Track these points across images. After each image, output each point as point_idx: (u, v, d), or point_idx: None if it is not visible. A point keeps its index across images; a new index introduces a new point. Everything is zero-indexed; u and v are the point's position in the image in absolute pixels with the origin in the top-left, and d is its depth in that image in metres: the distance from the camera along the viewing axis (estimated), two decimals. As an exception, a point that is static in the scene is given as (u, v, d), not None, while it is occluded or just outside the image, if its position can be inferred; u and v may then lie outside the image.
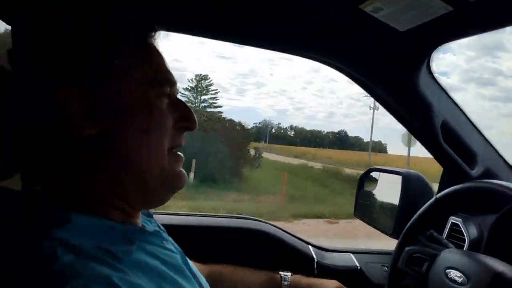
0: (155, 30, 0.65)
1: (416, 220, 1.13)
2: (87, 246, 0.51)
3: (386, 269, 1.24)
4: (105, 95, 0.57)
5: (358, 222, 1.59)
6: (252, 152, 19.75)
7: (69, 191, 0.58)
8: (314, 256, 1.41)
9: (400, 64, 1.14)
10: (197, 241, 0.97)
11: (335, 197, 14.31)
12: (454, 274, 0.87)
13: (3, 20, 0.82)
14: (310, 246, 1.47)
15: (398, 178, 1.31)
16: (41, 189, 0.59)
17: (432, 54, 1.10)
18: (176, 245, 0.74)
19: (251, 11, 1.06)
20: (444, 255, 0.94)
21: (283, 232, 1.46)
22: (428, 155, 1.25)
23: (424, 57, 1.11)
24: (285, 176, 16.55)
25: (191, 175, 12.73)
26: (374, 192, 1.49)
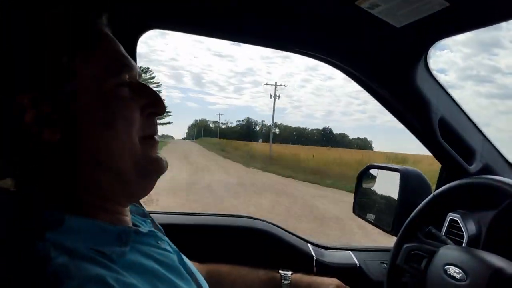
0: (103, 15, 0.62)
1: (414, 217, 1.13)
2: (81, 247, 0.51)
3: (385, 266, 1.24)
4: (59, 99, 0.55)
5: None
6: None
7: (59, 194, 0.58)
8: (313, 254, 1.41)
9: (397, 61, 1.13)
10: (195, 240, 0.97)
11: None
12: (453, 270, 0.86)
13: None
14: (309, 244, 1.47)
15: (396, 175, 1.31)
16: (33, 191, 0.58)
17: (429, 50, 1.10)
18: (172, 245, 0.73)
19: (248, 8, 1.06)
20: (443, 251, 0.94)
21: (282, 231, 1.46)
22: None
23: (421, 53, 1.11)
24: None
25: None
26: (373, 189, 1.49)
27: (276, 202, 10.86)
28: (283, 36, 1.15)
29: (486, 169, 1.19)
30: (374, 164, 1.50)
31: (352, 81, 1.26)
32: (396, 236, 1.17)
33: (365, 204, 1.51)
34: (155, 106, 0.64)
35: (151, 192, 0.67)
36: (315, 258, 1.40)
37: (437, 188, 1.19)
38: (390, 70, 1.15)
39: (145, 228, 0.70)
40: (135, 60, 1.00)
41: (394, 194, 1.31)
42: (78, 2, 0.59)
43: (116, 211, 0.63)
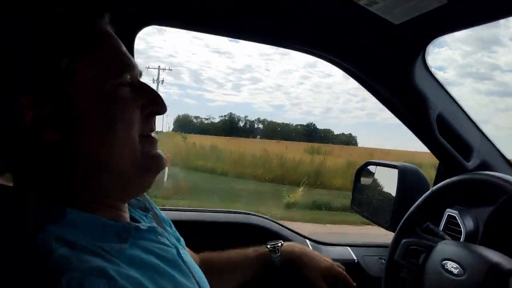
0: (104, 15, 0.62)
1: (412, 213, 1.14)
2: (81, 241, 0.51)
3: (383, 261, 1.25)
4: (59, 99, 0.55)
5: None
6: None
7: (61, 189, 0.58)
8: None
9: (395, 58, 1.13)
10: (193, 236, 0.97)
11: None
12: (451, 265, 0.87)
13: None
14: (307, 240, 1.48)
15: (395, 171, 1.31)
16: (33, 186, 0.58)
17: (428, 47, 1.10)
18: (172, 239, 0.74)
19: (246, 5, 1.06)
20: (441, 246, 0.94)
21: (280, 227, 1.47)
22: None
23: (420, 50, 1.11)
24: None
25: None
26: (371, 185, 1.50)
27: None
28: (282, 33, 1.15)
29: (484, 166, 1.20)
30: (372, 160, 1.51)
31: (351, 78, 1.26)
32: (393, 231, 1.18)
33: (363, 200, 1.52)
34: (155, 105, 0.64)
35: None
36: None
37: (435, 184, 1.20)
38: (389, 67, 1.15)
39: (145, 224, 0.70)
40: (132, 55, 1.00)
41: (392, 190, 1.32)
42: (78, 1, 0.59)
43: (115, 207, 0.63)
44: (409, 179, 1.29)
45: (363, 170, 1.52)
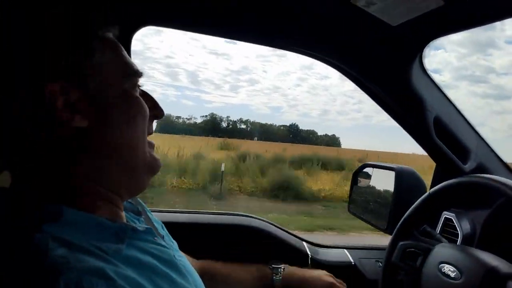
0: (112, 26, 0.65)
1: (409, 215, 1.14)
2: (78, 240, 0.51)
3: (380, 264, 1.24)
4: (87, 88, 0.58)
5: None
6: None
7: (60, 187, 0.58)
8: (308, 252, 1.41)
9: (392, 59, 1.13)
10: (190, 238, 0.96)
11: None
12: (448, 268, 0.87)
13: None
14: (304, 242, 1.47)
15: (392, 174, 1.31)
16: (31, 186, 0.58)
17: (425, 49, 1.10)
18: (168, 240, 0.75)
19: (244, 6, 1.05)
20: (438, 249, 0.94)
21: (277, 229, 1.46)
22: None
23: (417, 52, 1.11)
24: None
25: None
26: (368, 187, 1.49)
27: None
28: (279, 34, 1.15)
29: (481, 168, 1.20)
30: (369, 162, 1.50)
31: (347, 80, 1.26)
32: (390, 234, 1.18)
33: (360, 202, 1.51)
34: (155, 110, 0.70)
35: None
36: (310, 256, 1.40)
37: (432, 186, 1.20)
38: (386, 69, 1.15)
39: (142, 226, 0.70)
40: (130, 56, 1.00)
41: (389, 193, 1.31)
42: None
43: (115, 203, 0.65)
44: (406, 181, 1.29)
45: (360, 173, 1.52)
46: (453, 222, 1.05)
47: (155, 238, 0.68)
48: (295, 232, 1.52)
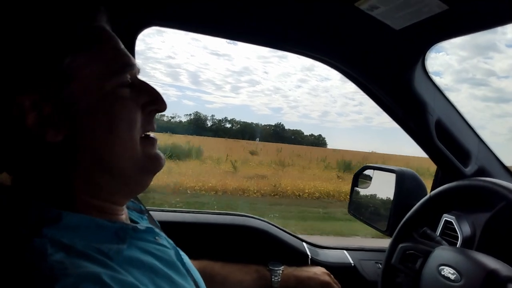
0: (103, 13, 0.61)
1: (410, 218, 1.14)
2: (78, 244, 0.51)
3: (380, 266, 1.25)
4: (60, 99, 0.54)
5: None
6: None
7: (57, 192, 0.57)
8: (308, 253, 1.41)
9: (395, 62, 1.14)
10: (191, 238, 0.97)
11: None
12: (447, 271, 0.87)
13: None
14: (304, 243, 1.48)
15: (392, 176, 1.32)
16: (31, 189, 0.57)
17: (427, 53, 1.11)
18: (170, 240, 0.74)
19: (246, 7, 1.06)
20: (438, 252, 0.95)
21: (277, 229, 1.47)
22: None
23: (420, 55, 1.11)
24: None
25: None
26: (368, 189, 1.50)
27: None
28: (282, 36, 1.15)
29: (482, 171, 1.20)
30: (370, 164, 1.51)
31: (348, 82, 1.27)
32: (390, 236, 1.18)
33: (361, 204, 1.52)
34: (156, 104, 0.64)
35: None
36: (310, 257, 1.41)
37: (432, 189, 1.20)
38: (389, 72, 1.16)
39: (142, 224, 0.70)
40: (133, 56, 1.00)
41: (390, 195, 1.32)
42: (77, 1, 0.58)
43: (113, 212, 0.63)
44: (406, 183, 1.29)
45: (361, 174, 1.53)
46: (453, 225, 1.05)
47: (156, 237, 0.68)
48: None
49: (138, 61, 0.65)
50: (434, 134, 1.17)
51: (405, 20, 0.96)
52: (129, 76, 0.61)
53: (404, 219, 1.15)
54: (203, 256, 1.07)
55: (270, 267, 1.15)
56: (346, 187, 10.63)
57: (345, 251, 1.50)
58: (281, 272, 1.14)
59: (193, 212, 1.49)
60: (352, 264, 1.43)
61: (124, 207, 0.68)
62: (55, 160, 0.56)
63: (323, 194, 10.78)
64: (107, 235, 0.56)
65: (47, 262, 0.46)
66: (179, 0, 1.04)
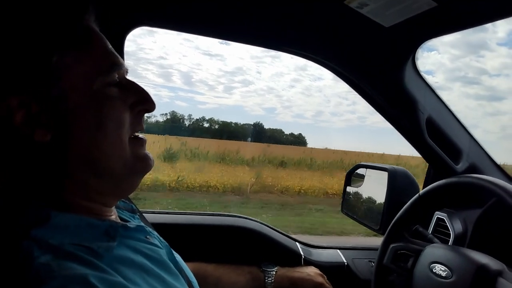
0: (91, 13, 0.60)
1: (400, 217, 1.14)
2: (66, 244, 0.50)
3: (373, 264, 1.25)
4: (48, 99, 0.53)
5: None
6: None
7: (47, 192, 0.57)
8: (301, 253, 1.41)
9: (385, 60, 1.14)
10: (184, 239, 0.96)
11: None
12: (439, 268, 0.88)
13: None
14: (297, 243, 1.47)
15: (385, 174, 1.32)
16: (20, 189, 0.57)
17: (418, 50, 1.11)
18: (162, 240, 0.74)
19: (238, 7, 1.05)
20: (429, 250, 0.95)
21: (270, 229, 1.46)
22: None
23: (409, 53, 1.11)
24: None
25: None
26: (361, 188, 1.50)
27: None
28: (272, 35, 1.15)
29: (473, 168, 1.21)
30: (362, 163, 1.51)
31: (341, 82, 1.27)
32: (383, 234, 1.18)
33: (353, 202, 1.52)
34: (144, 103, 0.64)
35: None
36: (303, 256, 1.40)
37: (424, 187, 1.20)
38: (379, 70, 1.16)
39: (133, 223, 0.70)
40: (122, 57, 0.99)
41: (382, 193, 1.32)
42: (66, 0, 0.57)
43: (102, 213, 0.63)
44: (399, 182, 1.29)
45: (354, 173, 1.53)
46: (445, 222, 1.05)
47: (147, 236, 0.67)
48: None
49: (130, 62, 0.65)
50: (425, 132, 1.17)
51: (395, 17, 0.96)
52: (117, 76, 0.61)
53: (395, 219, 1.15)
54: (196, 258, 1.06)
55: (263, 268, 1.15)
56: (232, 179, 10.82)
57: (338, 250, 1.50)
58: (274, 273, 1.14)
59: (185, 214, 1.48)
60: (345, 263, 1.43)
61: (113, 208, 0.68)
62: (44, 160, 0.55)
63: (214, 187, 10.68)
64: (97, 234, 0.56)
65: (34, 265, 0.45)
66: (170, 0, 1.04)
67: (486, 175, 1.13)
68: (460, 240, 1.01)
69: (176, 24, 1.12)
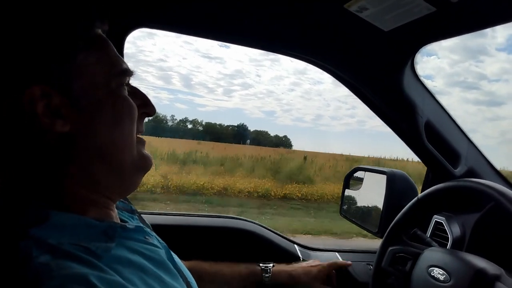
0: (102, 20, 0.63)
1: (399, 220, 1.14)
2: (65, 244, 0.50)
3: (371, 267, 1.25)
4: (70, 91, 0.56)
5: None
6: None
7: (47, 189, 0.57)
8: (300, 255, 1.42)
9: (384, 64, 1.14)
10: (183, 240, 0.97)
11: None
12: (437, 272, 0.88)
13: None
14: (295, 245, 1.48)
15: (383, 177, 1.32)
16: (19, 187, 0.57)
17: (417, 54, 1.12)
18: (161, 240, 0.74)
19: (238, 9, 1.06)
20: (427, 253, 0.95)
21: (269, 231, 1.46)
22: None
23: (409, 57, 1.12)
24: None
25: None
26: (360, 191, 1.50)
27: None
28: (272, 38, 1.16)
29: (471, 172, 1.21)
30: (361, 166, 1.51)
31: (341, 86, 1.27)
32: (382, 237, 1.18)
33: (352, 205, 1.52)
34: (147, 107, 0.68)
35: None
36: (301, 259, 1.41)
37: (422, 190, 1.21)
38: (378, 73, 1.16)
39: (132, 223, 0.70)
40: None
41: (381, 196, 1.32)
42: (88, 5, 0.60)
43: (106, 205, 0.64)
44: (397, 185, 1.30)
45: (352, 176, 1.53)
46: (444, 226, 1.06)
47: (146, 237, 0.68)
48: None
49: (130, 64, 0.69)
50: (424, 136, 1.18)
51: (394, 21, 0.97)
52: (127, 79, 0.65)
53: (393, 222, 1.15)
54: (194, 259, 1.06)
55: (260, 263, 1.15)
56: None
57: (336, 253, 1.50)
58: (271, 267, 1.14)
59: (184, 215, 1.48)
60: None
61: (115, 205, 0.68)
62: (56, 152, 0.56)
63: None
64: (95, 234, 0.56)
65: (32, 265, 0.45)
66: (168, 1, 1.04)
67: (484, 179, 1.14)
68: (458, 244, 1.01)
69: (176, 25, 1.13)
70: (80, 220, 0.56)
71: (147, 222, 0.87)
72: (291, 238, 1.51)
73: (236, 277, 1.10)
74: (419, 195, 1.13)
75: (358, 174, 1.51)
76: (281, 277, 1.14)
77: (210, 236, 1.39)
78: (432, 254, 0.94)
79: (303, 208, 9.93)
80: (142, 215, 0.91)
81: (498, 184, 0.97)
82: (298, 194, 11.02)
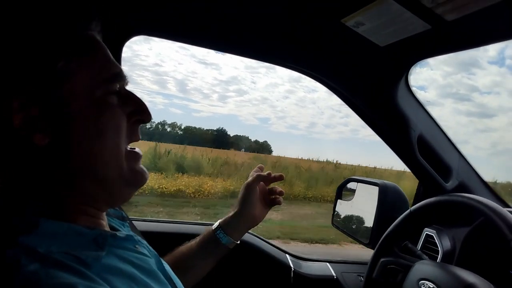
0: (93, 20, 0.60)
1: (391, 232, 1.15)
2: (54, 252, 0.49)
3: (362, 278, 1.26)
4: (50, 103, 0.54)
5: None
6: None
7: (40, 195, 0.57)
8: (291, 265, 1.42)
9: (379, 78, 1.16)
10: (171, 249, 0.96)
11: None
12: (427, 285, 0.88)
13: None
14: (287, 255, 1.48)
15: (375, 189, 1.33)
16: (17, 190, 0.57)
17: (411, 69, 1.13)
18: (151, 249, 0.73)
19: (234, 20, 1.07)
20: (418, 266, 0.96)
21: (261, 241, 1.46)
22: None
23: (403, 72, 1.14)
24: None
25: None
26: (352, 202, 1.51)
27: None
28: (269, 49, 1.17)
29: (462, 187, 1.23)
30: (354, 177, 1.52)
31: (334, 95, 1.29)
32: (373, 249, 1.19)
33: (344, 216, 1.53)
34: (141, 114, 0.65)
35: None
36: (292, 269, 1.41)
37: (414, 203, 1.22)
38: (372, 87, 1.18)
39: (123, 232, 0.69)
40: (119, 64, 1.00)
41: (372, 208, 1.33)
42: (70, 7, 0.58)
43: (95, 215, 0.63)
44: (389, 197, 1.31)
45: (344, 187, 1.54)
46: (434, 239, 1.07)
47: (136, 246, 0.67)
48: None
49: (125, 68, 0.65)
50: (416, 149, 1.19)
51: (390, 37, 0.98)
52: (118, 86, 0.61)
53: (385, 233, 1.16)
54: None
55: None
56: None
57: (327, 264, 1.51)
58: (220, 223, 1.03)
59: (175, 222, 1.47)
60: (335, 277, 1.43)
61: (104, 215, 0.67)
62: (41, 163, 0.55)
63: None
64: (85, 242, 0.55)
65: (21, 274, 0.45)
66: (166, 10, 1.04)
67: (475, 193, 1.16)
68: (448, 257, 1.02)
69: (174, 34, 1.13)
70: (70, 228, 0.55)
71: (136, 229, 0.86)
72: (283, 248, 1.51)
73: (195, 247, 1.00)
74: (412, 207, 1.15)
75: (351, 185, 1.52)
76: (230, 223, 1.02)
77: None
78: (423, 267, 0.95)
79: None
80: (133, 221, 0.91)
81: (488, 199, 0.98)
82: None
